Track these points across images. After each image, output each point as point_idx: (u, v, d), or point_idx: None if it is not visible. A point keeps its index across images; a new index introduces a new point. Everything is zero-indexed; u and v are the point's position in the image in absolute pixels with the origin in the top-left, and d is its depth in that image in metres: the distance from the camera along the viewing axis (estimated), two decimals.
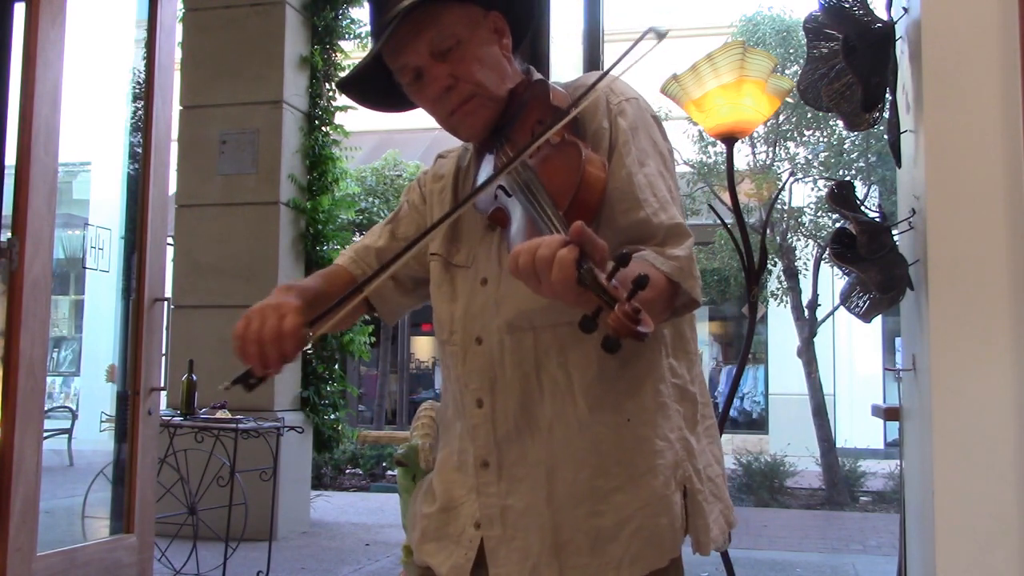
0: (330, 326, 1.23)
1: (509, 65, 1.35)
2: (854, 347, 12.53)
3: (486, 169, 1.33)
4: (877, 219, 2.32)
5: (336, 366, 6.21)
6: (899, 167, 2.57)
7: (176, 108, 4.72)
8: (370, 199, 9.52)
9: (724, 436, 1.45)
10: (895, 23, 2.30)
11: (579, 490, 1.24)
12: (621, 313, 0.91)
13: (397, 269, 1.42)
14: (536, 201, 1.13)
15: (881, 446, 11.64)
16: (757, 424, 13.58)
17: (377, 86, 1.38)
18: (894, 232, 2.35)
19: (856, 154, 8.43)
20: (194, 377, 4.47)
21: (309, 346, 1.23)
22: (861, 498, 8.42)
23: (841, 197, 2.31)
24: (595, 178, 1.15)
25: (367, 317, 6.98)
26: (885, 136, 2.47)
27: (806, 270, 8.91)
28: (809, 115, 8.19)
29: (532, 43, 1.47)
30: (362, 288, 1.23)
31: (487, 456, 1.29)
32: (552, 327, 1.25)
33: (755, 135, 8.35)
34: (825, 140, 8.53)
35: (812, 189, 8.72)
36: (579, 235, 0.96)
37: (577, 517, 1.23)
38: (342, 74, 6.15)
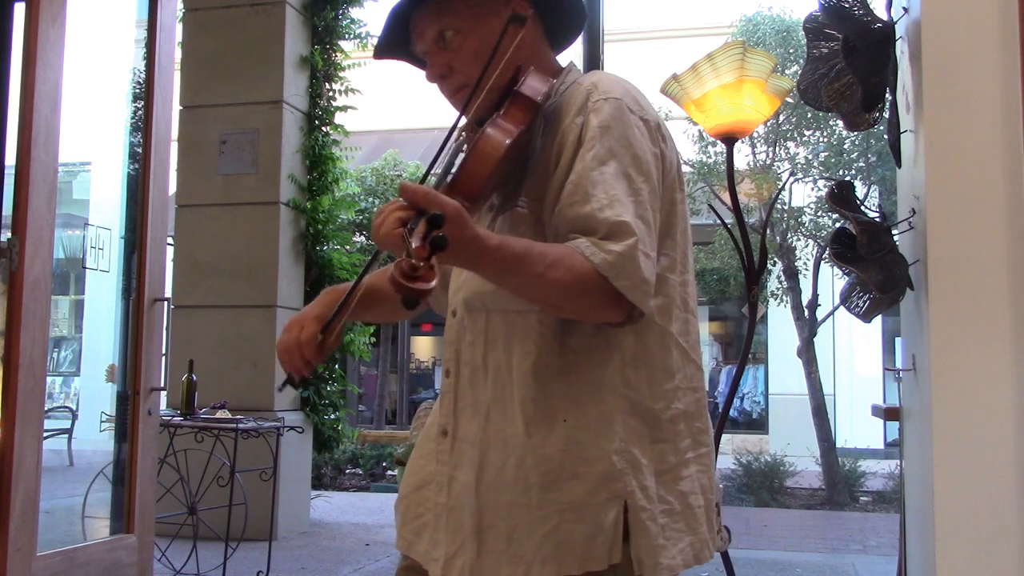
0: (374, 316, 1.43)
1: (526, 59, 1.34)
2: (854, 347, 12.54)
3: None
4: (877, 219, 2.32)
5: (336, 366, 6.21)
6: (899, 167, 2.57)
7: (176, 108, 4.72)
8: (370, 199, 9.52)
9: (724, 436, 1.42)
10: (895, 23, 2.31)
11: (505, 479, 1.24)
12: (396, 267, 0.95)
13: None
14: (443, 171, 1.20)
15: (881, 446, 11.65)
16: (757, 424, 13.59)
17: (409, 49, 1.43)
18: (894, 232, 2.35)
19: (856, 154, 8.43)
20: (194, 377, 4.47)
21: (339, 343, 1.39)
22: (861, 498, 8.42)
23: (841, 197, 2.31)
24: (484, 150, 1.19)
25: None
26: (885, 136, 2.47)
27: (806, 270, 8.91)
28: (809, 115, 8.19)
29: None
30: (360, 283, 1.27)
31: (447, 425, 1.33)
32: (502, 312, 1.28)
33: (755, 135, 8.35)
34: (825, 140, 8.54)
35: (812, 189, 8.72)
36: (401, 191, 1.04)
37: (499, 504, 1.24)
38: (342, 74, 6.19)
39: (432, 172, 1.27)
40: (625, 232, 1.17)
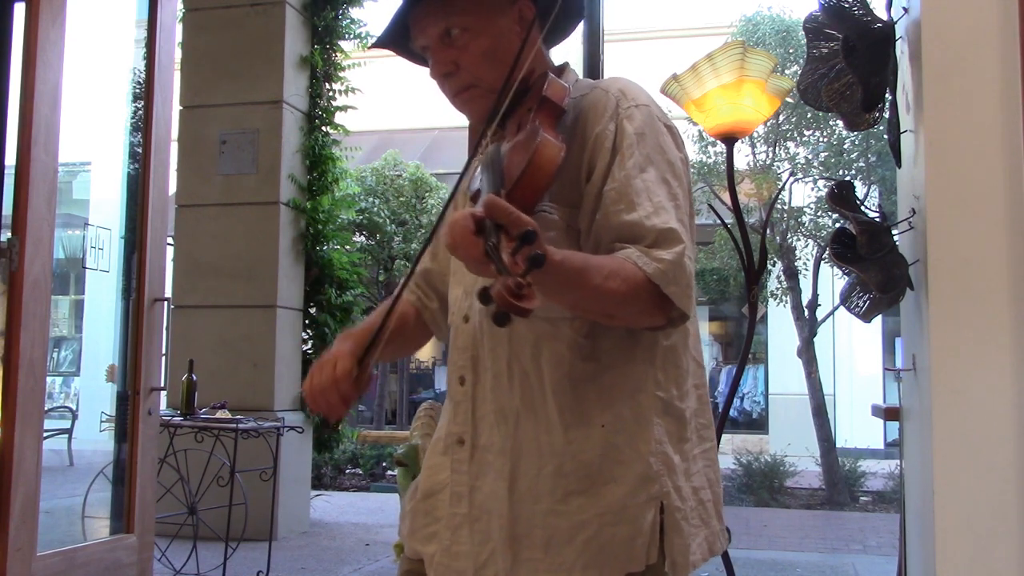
0: (383, 354, 1.34)
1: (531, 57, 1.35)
2: (854, 347, 12.53)
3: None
4: (877, 219, 2.32)
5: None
6: (899, 167, 2.57)
7: (176, 108, 4.72)
8: (370, 199, 9.51)
9: (724, 436, 1.43)
10: (895, 23, 2.31)
11: (541, 487, 1.23)
12: (502, 285, 0.92)
13: (426, 285, 1.53)
14: (491, 179, 1.15)
15: (881, 446, 11.64)
16: (757, 424, 13.59)
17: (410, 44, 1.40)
18: (894, 232, 2.35)
19: (856, 154, 8.43)
20: (194, 377, 4.47)
21: (374, 377, 1.36)
22: (861, 498, 8.42)
23: (841, 197, 2.31)
24: (545, 158, 1.15)
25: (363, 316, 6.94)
26: (885, 136, 2.47)
27: (806, 270, 8.91)
28: (809, 115, 8.19)
29: None
30: (392, 313, 1.30)
31: (463, 434, 1.30)
32: (529, 319, 1.26)
33: (755, 135, 8.35)
34: (825, 140, 8.53)
35: (812, 189, 8.72)
36: (487, 207, 0.99)
37: (535, 513, 1.23)
38: (342, 74, 6.19)
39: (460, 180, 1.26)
40: (673, 239, 1.19)
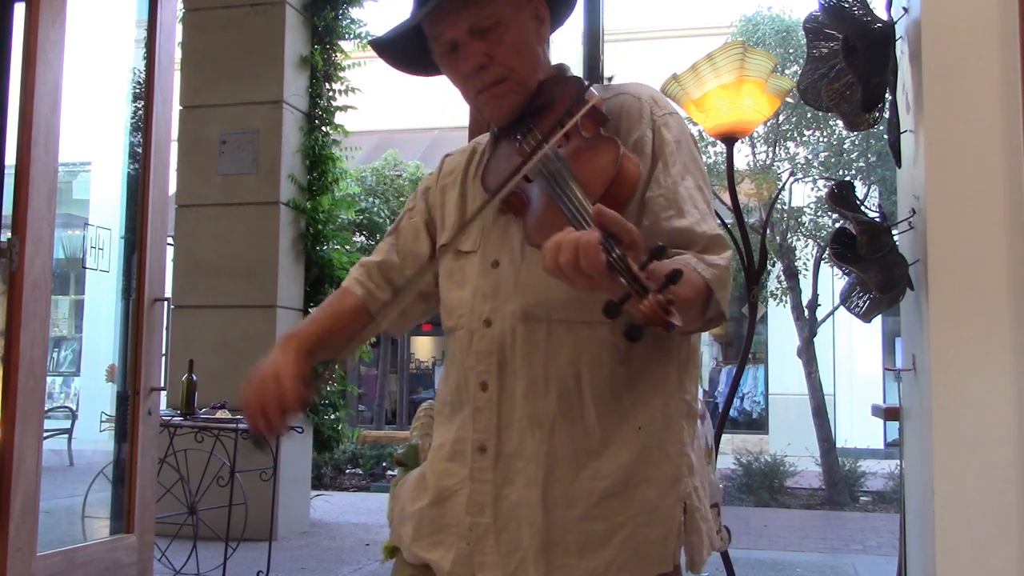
0: (326, 353, 1.36)
1: (543, 55, 1.36)
2: (854, 347, 12.54)
3: (504, 152, 1.33)
4: (877, 219, 2.32)
5: (336, 366, 6.21)
6: (899, 167, 2.57)
7: (176, 108, 4.72)
8: (370, 199, 9.51)
9: (724, 436, 1.45)
10: (895, 23, 2.30)
11: (576, 491, 1.22)
12: (655, 301, 0.91)
13: (380, 277, 1.48)
14: (565, 192, 1.12)
15: (881, 446, 11.64)
16: (757, 424, 13.59)
17: (409, 49, 1.38)
18: (894, 232, 2.35)
19: (856, 154, 8.43)
20: (194, 377, 4.47)
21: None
22: (861, 498, 8.42)
23: (841, 197, 2.31)
24: (630, 173, 1.16)
25: None
26: (885, 136, 2.47)
27: (806, 270, 8.91)
28: (809, 115, 8.19)
29: None
30: (362, 333, 1.35)
31: (485, 441, 1.27)
32: (568, 323, 1.23)
33: (755, 135, 8.34)
34: (825, 140, 8.54)
35: (812, 189, 8.72)
36: (605, 219, 0.98)
37: (569, 518, 1.22)
38: (342, 74, 6.19)
39: (510, 183, 1.23)
40: (722, 245, 1.22)
